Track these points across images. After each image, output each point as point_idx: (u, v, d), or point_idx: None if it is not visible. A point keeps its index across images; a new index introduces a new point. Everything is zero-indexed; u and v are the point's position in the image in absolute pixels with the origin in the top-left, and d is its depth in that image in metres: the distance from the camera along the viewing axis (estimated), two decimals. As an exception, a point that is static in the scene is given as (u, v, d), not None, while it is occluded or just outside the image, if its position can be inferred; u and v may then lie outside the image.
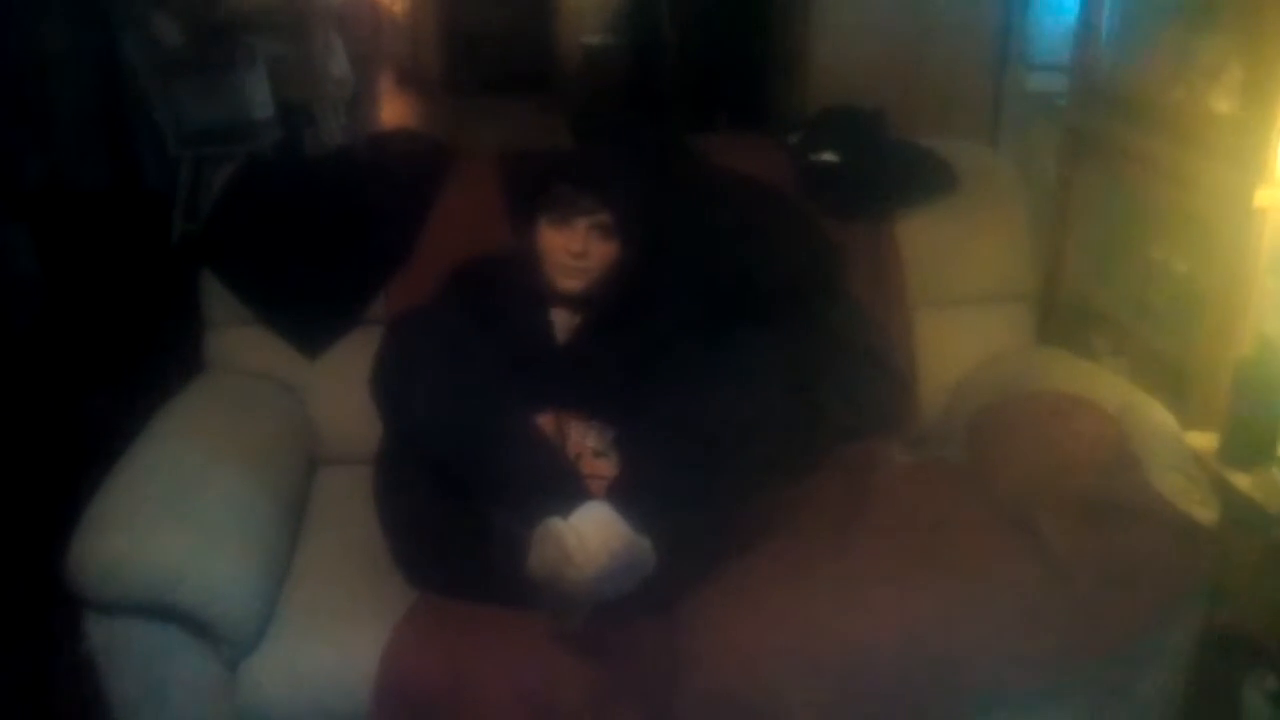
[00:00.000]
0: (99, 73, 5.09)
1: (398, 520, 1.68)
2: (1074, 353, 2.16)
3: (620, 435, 1.73)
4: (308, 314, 2.05)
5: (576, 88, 6.63)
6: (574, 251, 1.79)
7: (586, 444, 1.71)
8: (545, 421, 1.70)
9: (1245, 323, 1.90)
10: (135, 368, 2.80)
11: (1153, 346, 2.23)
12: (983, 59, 3.11)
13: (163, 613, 1.48)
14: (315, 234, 2.06)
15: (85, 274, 4.32)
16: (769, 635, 1.53)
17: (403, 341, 1.70)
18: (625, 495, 1.51)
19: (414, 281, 2.01)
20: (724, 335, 1.73)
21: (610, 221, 1.80)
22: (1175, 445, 1.75)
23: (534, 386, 1.70)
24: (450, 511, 1.61)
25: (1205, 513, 1.68)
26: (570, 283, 1.81)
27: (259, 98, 4.79)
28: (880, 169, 2.19)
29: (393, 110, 7.05)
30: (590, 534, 1.38)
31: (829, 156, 2.22)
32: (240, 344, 2.06)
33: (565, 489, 1.52)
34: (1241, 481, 1.76)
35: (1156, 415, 1.80)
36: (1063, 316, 2.50)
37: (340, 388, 1.97)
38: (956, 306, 2.19)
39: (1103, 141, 2.39)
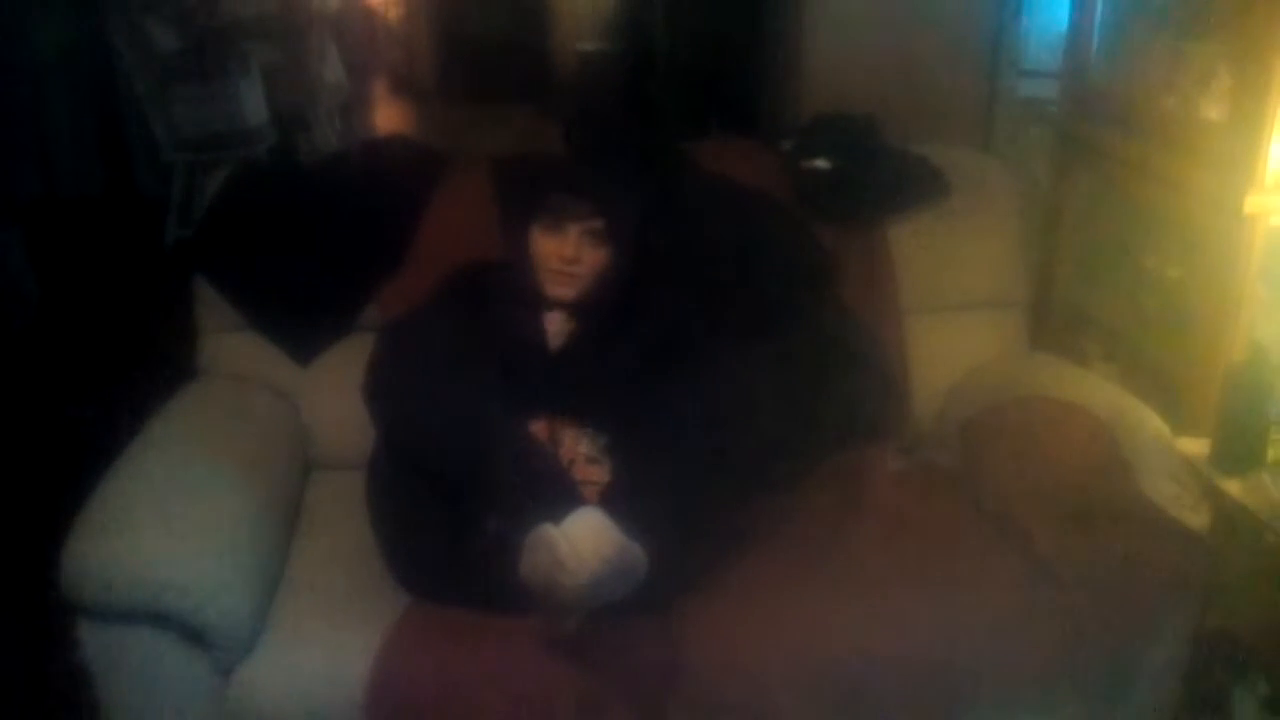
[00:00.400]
0: (94, 78, 5.08)
1: (391, 526, 1.68)
2: (1066, 358, 2.17)
3: (613, 441, 1.73)
4: (301, 320, 2.05)
5: (571, 94, 6.63)
6: (566, 257, 1.79)
7: (580, 450, 1.71)
8: (538, 428, 1.70)
9: (1236, 329, 1.91)
10: (128, 373, 2.79)
11: (1144, 352, 2.24)
12: (975, 65, 3.12)
13: (155, 618, 1.48)
14: (308, 240, 2.06)
15: (79, 279, 4.31)
16: (762, 640, 1.53)
17: (396, 347, 1.70)
18: (618, 501, 1.51)
19: (407, 288, 2.01)
20: (717, 341, 1.73)
21: (602, 228, 1.80)
22: (1166, 451, 1.76)
23: (527, 392, 1.71)
24: (443, 517, 1.61)
25: (1196, 518, 1.68)
26: (562, 289, 1.81)
27: (254, 104, 4.78)
28: (873, 175, 2.19)
29: (387, 116, 7.04)
30: (582, 540, 1.38)
31: (822, 163, 2.22)
32: (233, 349, 2.06)
33: (558, 495, 1.52)
34: (1232, 487, 1.77)
35: (1148, 421, 1.80)
36: (1055, 322, 2.51)
37: (333, 393, 1.97)
38: (949, 312, 2.19)
39: (1094, 148, 2.40)
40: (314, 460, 2.02)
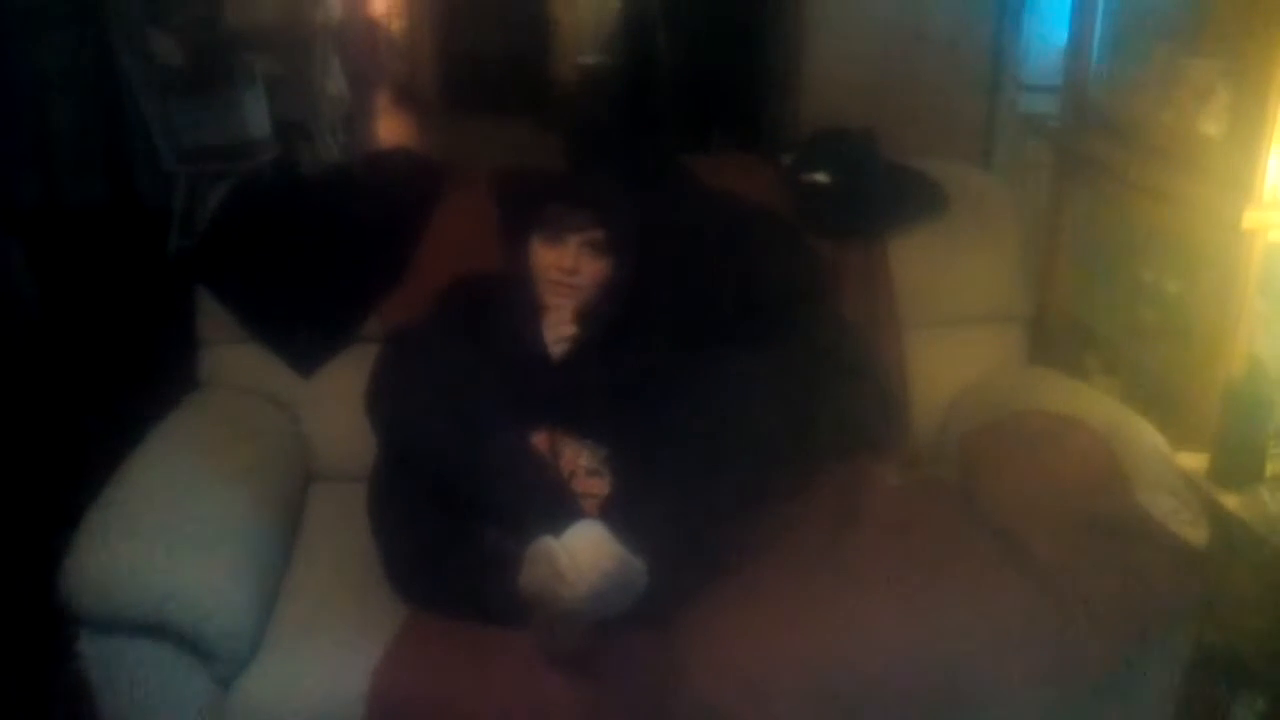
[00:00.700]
0: (97, 89, 5.09)
1: (391, 538, 1.69)
2: (1066, 372, 2.17)
3: (612, 454, 1.73)
4: (302, 331, 2.05)
5: (572, 107, 6.64)
6: (565, 268, 1.80)
7: (580, 462, 1.71)
8: (539, 439, 1.71)
9: (1235, 343, 1.91)
10: (130, 384, 2.80)
11: (1144, 366, 2.24)
12: (975, 81, 3.13)
13: (156, 630, 1.48)
14: (310, 251, 2.07)
15: (81, 290, 4.32)
16: (761, 653, 1.53)
17: (397, 359, 1.71)
18: (617, 514, 1.52)
19: (408, 299, 2.02)
20: (716, 354, 1.73)
21: (602, 239, 1.81)
22: (1165, 465, 1.76)
23: (527, 404, 1.71)
24: (444, 529, 1.61)
25: (1195, 533, 1.68)
26: (561, 300, 1.82)
27: (256, 116, 4.80)
28: (872, 190, 2.20)
29: (390, 128, 7.06)
30: (582, 553, 1.38)
31: (821, 177, 2.23)
32: (235, 361, 2.07)
33: (558, 507, 1.52)
34: (1231, 502, 1.77)
35: (1147, 435, 1.81)
36: (1055, 336, 2.51)
37: (334, 405, 1.98)
38: (948, 326, 2.20)
39: (1094, 163, 2.40)
40: (315, 472, 2.03)
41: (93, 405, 3.25)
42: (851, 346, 2.06)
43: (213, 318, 2.07)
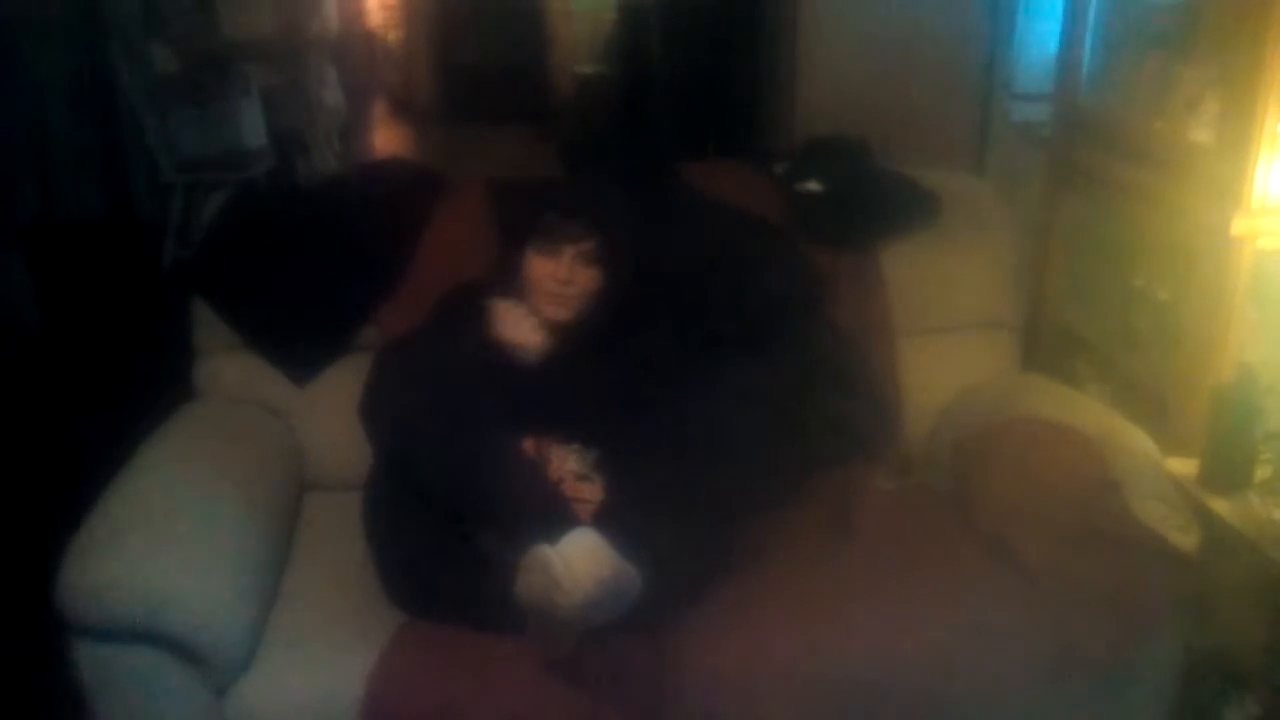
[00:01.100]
0: (94, 100, 5.11)
1: (386, 546, 1.69)
2: (1057, 379, 2.18)
3: (603, 458, 1.74)
4: (298, 340, 2.06)
5: (568, 117, 6.67)
6: (560, 278, 1.80)
7: (568, 467, 1.72)
8: (526, 446, 1.71)
9: (1224, 350, 1.92)
10: (126, 393, 2.80)
11: (1135, 373, 2.25)
12: (968, 89, 3.15)
13: (151, 638, 1.49)
14: (306, 261, 2.07)
15: (78, 300, 4.33)
16: (755, 660, 1.54)
17: (392, 369, 1.71)
18: (612, 520, 1.52)
19: (403, 309, 2.02)
20: (709, 361, 1.74)
21: (595, 248, 1.81)
22: (1156, 471, 1.77)
23: (518, 411, 1.71)
24: (438, 537, 1.61)
25: (1185, 538, 1.69)
26: (556, 310, 1.82)
27: (253, 126, 4.82)
28: (866, 198, 2.21)
29: (386, 139, 7.08)
30: (577, 561, 1.39)
31: (815, 186, 2.24)
32: (230, 370, 2.07)
33: (553, 515, 1.53)
34: (1221, 507, 1.78)
35: (1137, 441, 1.81)
36: (1046, 343, 2.53)
37: (329, 414, 1.98)
38: (941, 334, 2.20)
39: (1085, 170, 2.42)
40: (310, 480, 2.03)
41: (90, 414, 3.26)
42: (845, 353, 2.07)
43: (209, 327, 2.07)
